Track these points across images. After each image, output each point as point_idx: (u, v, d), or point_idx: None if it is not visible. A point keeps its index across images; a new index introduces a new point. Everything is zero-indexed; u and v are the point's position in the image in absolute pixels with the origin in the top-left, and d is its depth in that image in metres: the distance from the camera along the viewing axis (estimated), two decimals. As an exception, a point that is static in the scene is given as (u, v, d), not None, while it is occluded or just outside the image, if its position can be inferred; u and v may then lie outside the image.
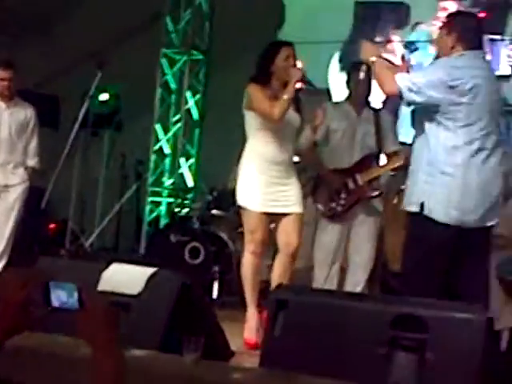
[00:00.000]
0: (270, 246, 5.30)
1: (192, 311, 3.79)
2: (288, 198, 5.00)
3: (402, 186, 5.10)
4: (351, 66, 5.78)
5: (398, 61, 8.24)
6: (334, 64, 8.70)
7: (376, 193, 5.55)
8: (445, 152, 4.23)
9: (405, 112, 6.17)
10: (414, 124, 4.49)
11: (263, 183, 4.94)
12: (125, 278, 3.93)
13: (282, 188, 4.98)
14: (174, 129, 9.33)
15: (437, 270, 4.27)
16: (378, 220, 5.65)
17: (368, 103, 5.67)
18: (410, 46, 8.39)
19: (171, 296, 3.80)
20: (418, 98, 4.22)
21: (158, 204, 9.32)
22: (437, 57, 4.52)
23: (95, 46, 9.02)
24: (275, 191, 4.96)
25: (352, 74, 5.61)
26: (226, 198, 7.33)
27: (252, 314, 5.04)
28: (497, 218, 4.49)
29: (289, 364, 3.40)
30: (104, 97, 8.80)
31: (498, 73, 7.80)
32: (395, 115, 6.24)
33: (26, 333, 1.81)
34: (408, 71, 4.48)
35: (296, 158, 5.19)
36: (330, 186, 5.57)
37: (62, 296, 1.83)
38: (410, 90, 4.20)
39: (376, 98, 5.88)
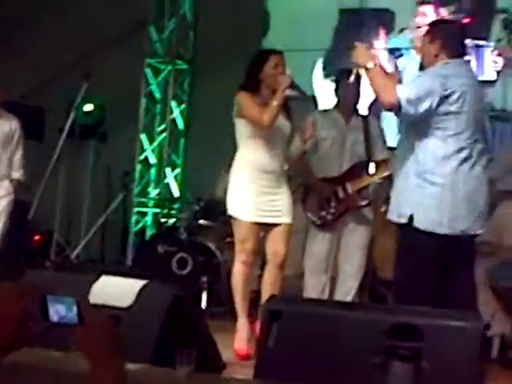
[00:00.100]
0: (258, 256, 5.27)
1: (184, 323, 3.75)
2: (278, 207, 4.98)
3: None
4: (339, 73, 5.76)
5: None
6: (318, 71, 8.68)
7: (366, 202, 5.53)
8: (434, 162, 4.22)
9: (388, 116, 6.15)
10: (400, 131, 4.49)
11: (254, 192, 4.92)
12: (115, 290, 3.87)
13: (273, 197, 4.96)
14: (159, 139, 9.28)
15: (428, 281, 4.25)
16: (369, 229, 5.62)
17: (356, 110, 5.65)
18: (395, 52, 8.39)
19: (162, 308, 3.75)
20: (412, 111, 4.17)
21: (144, 214, 9.26)
22: (421, 65, 4.51)
23: (80, 57, 8.96)
24: (266, 200, 4.94)
25: (340, 82, 5.59)
26: (214, 208, 7.29)
27: (242, 324, 5.02)
28: (484, 227, 4.49)
29: (283, 375, 3.35)
30: (88, 107, 8.75)
31: (482, 78, 7.83)
32: (378, 119, 6.20)
33: (24, 349, 1.76)
34: (400, 81, 4.47)
35: (285, 166, 5.17)
36: (319, 195, 5.55)
37: (60, 310, 1.78)
38: (409, 102, 4.15)
39: (362, 104, 5.85)
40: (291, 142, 5.16)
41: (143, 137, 9.24)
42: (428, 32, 4.46)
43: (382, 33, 8.51)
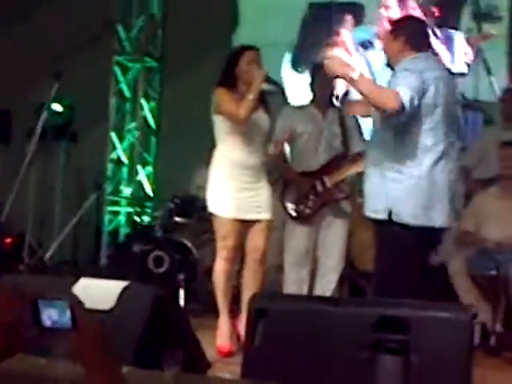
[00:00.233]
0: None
1: (167, 323, 3.70)
2: (258, 203, 4.96)
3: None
4: (314, 68, 5.74)
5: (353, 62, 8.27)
6: (287, 65, 8.65)
7: (344, 195, 5.51)
8: (412, 156, 4.20)
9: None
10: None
11: (234, 189, 4.89)
12: (95, 293, 3.80)
13: (253, 193, 4.94)
14: (129, 137, 9.20)
15: (411, 273, 4.24)
16: (347, 221, 5.60)
17: (332, 103, 5.62)
18: (365, 45, 8.38)
19: (145, 309, 3.70)
20: (410, 110, 4.14)
21: (117, 214, 9.19)
22: (388, 63, 4.48)
23: (46, 57, 8.84)
24: (246, 197, 4.91)
25: (315, 77, 5.57)
26: (189, 205, 7.24)
27: (224, 320, 4.99)
28: (457, 221, 4.50)
29: (271, 373, 3.31)
30: (57, 108, 8.64)
31: (454, 69, 7.84)
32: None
33: (17, 356, 1.70)
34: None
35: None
36: (298, 189, 5.52)
37: (53, 315, 1.71)
38: (411, 103, 4.10)
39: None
40: (271, 136, 5.13)
41: (114, 136, 9.15)
42: (392, 29, 4.46)
43: (348, 23, 8.50)
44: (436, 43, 7.88)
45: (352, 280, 6.55)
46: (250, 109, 4.77)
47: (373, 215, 4.30)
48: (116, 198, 9.17)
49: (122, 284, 3.83)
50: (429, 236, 4.33)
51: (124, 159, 9.22)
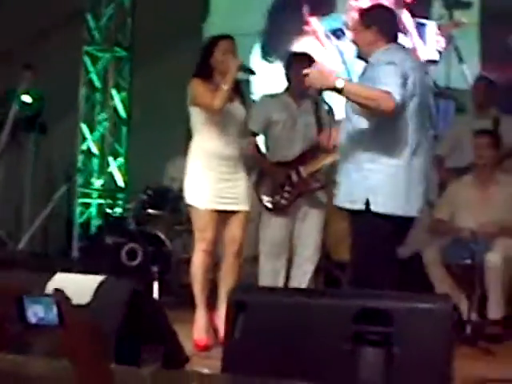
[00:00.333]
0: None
1: (145, 318, 3.64)
2: (236, 194, 4.92)
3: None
4: (290, 56, 5.70)
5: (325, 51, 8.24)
6: (256, 54, 8.59)
7: (320, 185, 5.48)
8: (391, 146, 4.18)
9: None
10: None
11: (212, 180, 4.86)
12: (72, 287, 3.69)
13: (231, 184, 4.90)
14: (100, 128, 9.11)
15: (388, 263, 4.25)
16: (323, 211, 5.58)
17: (307, 94, 5.57)
18: (337, 33, 8.34)
19: (122, 304, 3.63)
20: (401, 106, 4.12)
21: (88, 206, 9.09)
22: (358, 55, 4.44)
23: (14, 47, 8.72)
24: (224, 187, 4.88)
25: (291, 65, 5.53)
26: (162, 197, 7.18)
27: (201, 314, 4.95)
28: (430, 209, 4.53)
29: (252, 367, 3.27)
30: (26, 99, 8.52)
31: (426, 57, 7.84)
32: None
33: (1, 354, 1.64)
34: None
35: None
36: (273, 180, 5.48)
37: (39, 311, 1.66)
38: (402, 99, 4.08)
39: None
40: (247, 126, 5.10)
41: (84, 127, 9.05)
42: (363, 19, 4.40)
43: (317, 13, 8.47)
44: (407, 31, 7.88)
45: (327, 270, 6.53)
46: (224, 99, 4.73)
47: (348, 205, 4.26)
48: (87, 190, 9.07)
49: (99, 278, 3.76)
50: (404, 225, 4.34)
51: (95, 150, 9.12)
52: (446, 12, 7.99)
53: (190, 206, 4.96)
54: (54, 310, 1.66)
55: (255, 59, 8.52)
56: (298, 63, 5.48)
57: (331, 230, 6.13)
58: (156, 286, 6.75)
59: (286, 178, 5.47)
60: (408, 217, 4.30)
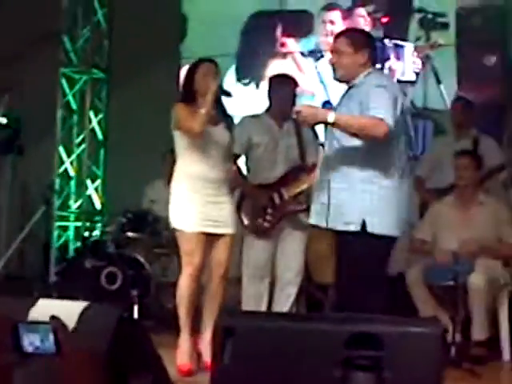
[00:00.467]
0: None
1: (131, 344, 3.58)
2: (222, 217, 4.89)
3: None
4: (273, 78, 5.68)
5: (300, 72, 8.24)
6: (231, 75, 8.58)
7: (302, 207, 5.45)
8: (384, 167, 4.20)
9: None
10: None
11: (198, 202, 4.82)
12: (55, 314, 3.68)
13: (217, 207, 4.87)
14: (77, 150, 9.04)
15: (383, 283, 4.28)
16: (305, 233, 5.55)
17: (289, 115, 5.55)
18: (316, 54, 8.36)
19: (107, 331, 3.57)
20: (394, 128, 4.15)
21: (66, 228, 9.00)
22: (337, 77, 4.43)
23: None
24: (210, 210, 4.84)
25: (273, 87, 5.52)
26: (141, 220, 7.12)
27: (185, 338, 4.90)
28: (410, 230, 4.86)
29: (241, 394, 3.23)
30: (3, 121, 8.44)
31: (403, 78, 7.87)
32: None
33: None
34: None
35: None
36: (256, 203, 5.45)
37: (35, 340, 1.60)
38: (394, 122, 4.10)
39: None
40: (231, 151, 5.08)
41: (61, 149, 8.98)
42: (354, 41, 4.37)
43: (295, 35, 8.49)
44: (385, 53, 7.91)
45: (309, 293, 6.49)
46: (202, 122, 4.72)
47: (340, 227, 4.23)
48: (64, 213, 8.98)
49: (82, 304, 3.70)
50: (392, 245, 4.37)
51: (72, 173, 9.04)
52: (423, 33, 8.03)
53: (176, 230, 4.90)
54: (51, 338, 1.62)
55: (230, 81, 8.51)
56: (280, 85, 5.50)
57: (312, 252, 6.10)
58: (136, 309, 6.70)
59: (268, 200, 5.45)
60: (395, 237, 4.33)
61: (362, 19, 8.17)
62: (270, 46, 8.57)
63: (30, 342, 1.60)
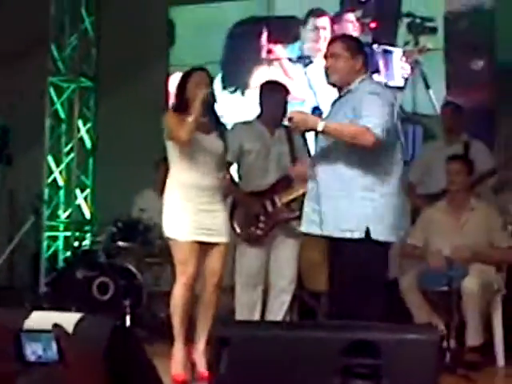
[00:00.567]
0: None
1: (125, 355, 3.55)
2: (216, 226, 4.85)
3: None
4: (264, 85, 5.66)
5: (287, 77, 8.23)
6: (217, 83, 8.55)
7: (295, 214, 5.42)
8: (381, 174, 4.23)
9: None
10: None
11: (191, 211, 4.79)
12: (49, 326, 3.64)
13: (210, 215, 4.83)
14: (66, 159, 8.99)
15: (384, 289, 4.32)
16: (298, 241, 5.53)
17: (281, 123, 5.54)
18: (304, 60, 8.34)
19: (102, 342, 3.54)
20: (386, 136, 4.16)
21: (55, 238, 8.94)
22: (332, 82, 4.43)
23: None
24: (204, 219, 4.81)
25: (265, 94, 5.50)
26: (132, 229, 7.08)
27: (179, 348, 4.86)
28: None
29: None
30: (-9, 131, 8.42)
31: (392, 84, 7.86)
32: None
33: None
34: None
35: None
36: (248, 210, 5.42)
37: (38, 348, 1.57)
38: (383, 131, 4.13)
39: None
40: (225, 159, 5.05)
41: (50, 158, 8.93)
42: (350, 46, 4.41)
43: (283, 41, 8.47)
44: (373, 59, 7.90)
45: (301, 301, 6.46)
46: (189, 130, 4.71)
47: (339, 234, 4.24)
48: (53, 223, 8.92)
49: (77, 316, 3.66)
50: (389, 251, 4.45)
51: (61, 182, 8.99)
52: (412, 37, 8.03)
53: (169, 239, 4.87)
54: (54, 346, 1.58)
55: (217, 88, 8.48)
56: (271, 92, 5.49)
57: (304, 260, 6.07)
58: (128, 319, 6.66)
59: (260, 208, 5.42)
60: (392, 243, 4.43)
61: (351, 24, 8.16)
62: (254, 52, 8.55)
63: (33, 350, 1.57)
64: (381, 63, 8.01)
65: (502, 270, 5.73)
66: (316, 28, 8.30)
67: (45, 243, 8.81)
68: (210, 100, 4.85)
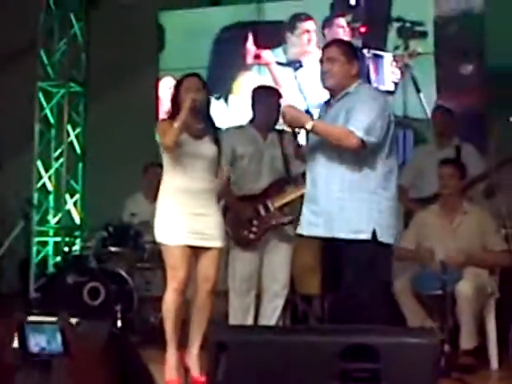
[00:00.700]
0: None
1: (121, 362, 3.52)
2: (209, 230, 4.81)
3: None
4: (256, 89, 5.65)
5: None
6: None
7: (288, 219, 5.41)
8: (384, 179, 4.34)
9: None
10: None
11: (183, 215, 4.76)
12: (44, 331, 3.61)
13: (203, 219, 4.79)
14: (56, 164, 8.95)
15: (388, 290, 4.55)
16: (291, 245, 5.52)
17: (274, 127, 5.52)
18: (294, 64, 8.34)
19: (97, 348, 3.51)
20: (375, 138, 4.25)
21: (45, 244, 8.90)
22: (327, 86, 4.44)
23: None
24: (196, 223, 4.76)
25: (258, 98, 5.49)
26: (122, 233, 7.04)
27: (172, 353, 4.82)
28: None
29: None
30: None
31: (382, 88, 7.86)
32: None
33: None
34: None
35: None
36: (240, 215, 5.40)
37: (42, 340, 1.54)
38: (368, 134, 4.22)
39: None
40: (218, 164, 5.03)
41: (39, 163, 8.88)
42: (347, 51, 4.45)
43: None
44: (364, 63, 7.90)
45: (293, 305, 6.44)
46: (174, 135, 4.68)
47: (347, 236, 4.29)
48: (43, 228, 8.88)
49: (73, 321, 3.64)
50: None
51: (50, 187, 8.94)
52: (402, 42, 8.04)
53: (161, 244, 4.83)
54: (59, 338, 1.55)
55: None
56: (264, 96, 5.48)
57: (296, 264, 6.05)
58: (119, 324, 6.62)
59: (254, 212, 5.40)
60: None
61: (341, 29, 8.16)
62: (239, 58, 8.54)
63: (36, 342, 1.54)
64: (371, 68, 8.01)
65: (495, 274, 5.72)
66: (303, 32, 8.29)
67: (34, 248, 8.77)
68: (201, 104, 4.82)
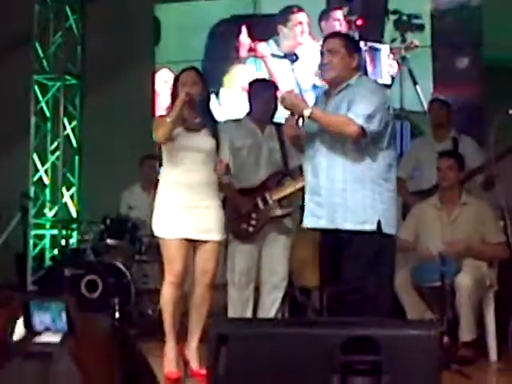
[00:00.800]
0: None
1: (124, 355, 3.51)
2: (208, 224, 4.80)
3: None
4: (252, 82, 5.65)
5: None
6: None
7: (287, 211, 5.40)
8: (385, 171, 4.37)
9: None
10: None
11: (181, 209, 4.75)
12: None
13: (201, 212, 4.78)
14: (52, 158, 8.92)
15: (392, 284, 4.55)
16: (290, 238, 5.52)
17: (271, 120, 5.51)
18: (291, 57, 8.31)
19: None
20: (373, 127, 4.26)
21: (42, 237, 8.88)
22: (327, 79, 4.44)
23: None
24: (193, 216, 4.75)
25: (255, 91, 5.48)
26: (120, 226, 7.03)
27: (171, 346, 4.83)
28: None
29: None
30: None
31: (379, 81, 7.84)
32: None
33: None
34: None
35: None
36: (240, 208, 5.38)
37: (46, 319, 1.53)
38: (368, 122, 4.23)
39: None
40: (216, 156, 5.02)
41: (35, 157, 8.86)
42: (348, 44, 4.46)
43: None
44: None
45: (291, 297, 6.43)
46: (167, 129, 4.70)
47: (353, 227, 4.31)
48: (40, 221, 8.86)
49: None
50: None
51: (46, 181, 8.92)
52: (399, 34, 8.02)
53: (158, 238, 4.83)
54: (63, 316, 1.55)
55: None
56: (261, 89, 5.48)
57: (294, 256, 6.05)
58: (117, 317, 6.62)
59: (252, 205, 5.39)
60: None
61: (338, 22, 8.14)
62: (232, 51, 8.51)
63: (41, 320, 1.53)
64: (368, 61, 7.99)
65: (493, 266, 5.73)
66: (295, 24, 8.27)
67: (31, 242, 8.76)
68: (198, 97, 4.80)
